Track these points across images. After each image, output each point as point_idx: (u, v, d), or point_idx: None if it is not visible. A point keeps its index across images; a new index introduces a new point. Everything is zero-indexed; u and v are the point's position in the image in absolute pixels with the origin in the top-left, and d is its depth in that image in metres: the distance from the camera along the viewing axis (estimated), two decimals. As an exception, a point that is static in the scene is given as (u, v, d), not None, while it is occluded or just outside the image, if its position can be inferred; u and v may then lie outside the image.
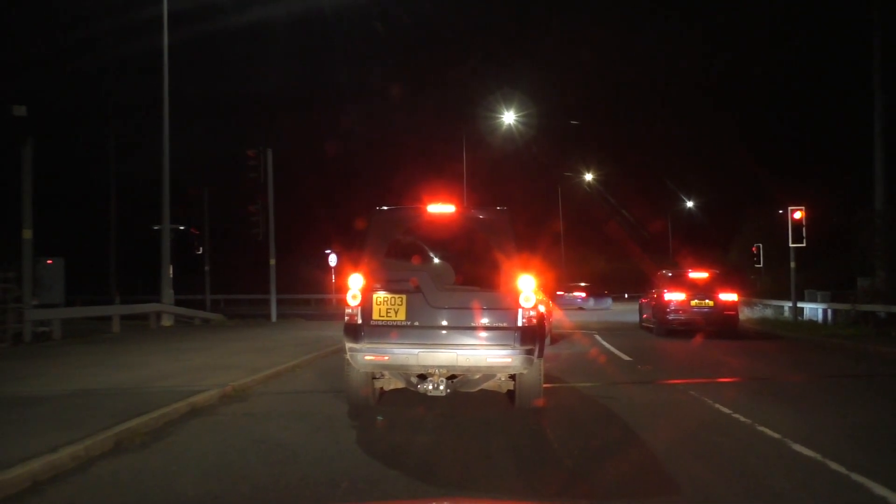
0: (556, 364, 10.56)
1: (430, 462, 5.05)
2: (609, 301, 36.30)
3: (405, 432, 6.00)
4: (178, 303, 19.37)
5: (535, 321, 6.23)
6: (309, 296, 39.69)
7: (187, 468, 4.84)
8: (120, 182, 33.80)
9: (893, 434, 6.14)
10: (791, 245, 18.80)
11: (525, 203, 49.07)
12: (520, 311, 6.19)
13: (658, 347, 14.16)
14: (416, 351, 6.13)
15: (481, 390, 6.93)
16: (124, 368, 9.17)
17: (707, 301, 16.23)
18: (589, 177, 45.25)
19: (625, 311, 29.91)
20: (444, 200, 6.84)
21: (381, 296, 6.30)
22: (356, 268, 6.46)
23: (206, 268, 32.34)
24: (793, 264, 19.46)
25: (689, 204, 48.30)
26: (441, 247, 6.57)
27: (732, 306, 16.46)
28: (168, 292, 18.46)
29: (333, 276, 25.10)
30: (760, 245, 23.17)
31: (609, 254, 52.54)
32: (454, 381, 6.56)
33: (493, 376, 6.63)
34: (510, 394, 6.92)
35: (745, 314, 21.50)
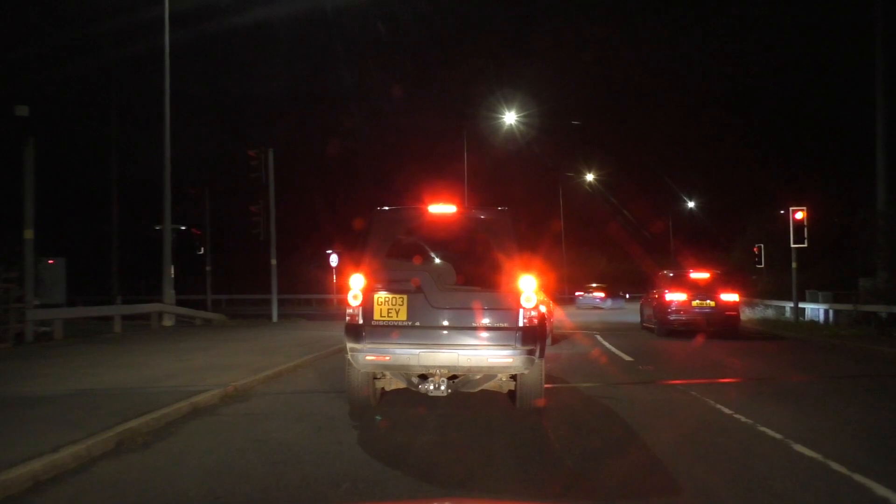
0: (558, 364, 10.56)
1: (432, 462, 5.05)
2: (622, 301, 37.59)
3: (406, 432, 6.00)
4: (179, 303, 19.37)
5: (536, 321, 6.23)
6: (310, 296, 39.74)
7: (189, 468, 4.85)
8: (121, 182, 33.84)
9: (895, 434, 6.13)
10: (792, 245, 18.79)
11: (526, 203, 49.13)
12: (521, 311, 6.19)
13: (659, 348, 14.15)
14: (417, 351, 6.13)
15: (482, 390, 6.93)
16: (126, 368, 9.17)
17: (708, 301, 16.22)
18: (590, 177, 45.32)
19: (626, 312, 29.91)
20: (446, 200, 6.83)
21: (382, 296, 6.30)
22: (357, 268, 6.45)
23: (208, 268, 32.35)
24: (794, 265, 19.45)
25: (691, 204, 48.34)
26: (442, 247, 6.57)
27: (734, 307, 16.45)
28: (169, 292, 18.47)
29: (335, 277, 25.13)
30: (762, 245, 23.15)
31: (610, 254, 52.58)
32: (455, 381, 6.56)
33: (495, 376, 6.63)
34: (511, 394, 6.92)
35: (746, 314, 21.49)
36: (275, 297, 22.06)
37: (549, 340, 9.04)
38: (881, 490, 4.33)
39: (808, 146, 38.39)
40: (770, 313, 23.30)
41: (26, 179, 13.43)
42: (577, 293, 38.52)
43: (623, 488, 4.58)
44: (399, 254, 6.56)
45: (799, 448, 5.34)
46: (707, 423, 6.38)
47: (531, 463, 5.07)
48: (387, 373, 6.73)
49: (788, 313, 21.49)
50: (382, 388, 7.05)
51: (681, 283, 17.03)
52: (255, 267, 29.88)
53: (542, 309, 6.78)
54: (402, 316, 6.26)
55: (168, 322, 18.24)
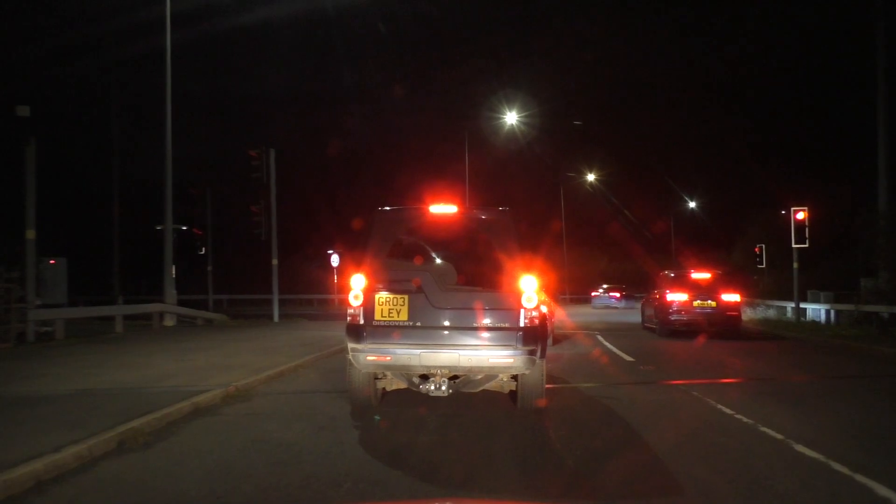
0: (559, 364, 10.56)
1: (433, 462, 5.05)
2: (635, 301, 37.68)
3: (408, 433, 6.01)
4: (180, 303, 19.38)
5: (537, 322, 6.23)
6: (311, 296, 39.79)
7: (190, 468, 4.85)
8: (123, 182, 33.94)
9: (897, 435, 6.13)
10: (794, 246, 18.78)
11: (527, 203, 49.14)
12: (522, 311, 6.18)
13: (660, 348, 14.15)
14: (418, 351, 6.13)
15: (483, 391, 6.93)
16: (127, 368, 9.18)
17: (710, 301, 16.20)
18: (591, 177, 45.28)
19: (627, 312, 29.90)
20: (447, 200, 6.83)
21: (383, 296, 6.31)
22: (358, 268, 6.45)
23: (209, 268, 32.42)
24: (795, 265, 19.44)
25: (692, 204, 48.29)
26: (443, 247, 6.57)
27: (735, 307, 16.44)
28: (171, 292, 18.48)
29: (336, 277, 25.14)
30: (763, 245, 23.15)
31: (612, 254, 52.53)
32: (456, 381, 6.56)
33: (496, 377, 6.62)
34: (512, 394, 6.92)
35: (747, 315, 21.48)
36: (276, 297, 22.07)
37: (550, 341, 9.02)
38: (883, 490, 4.33)
39: (810, 146, 38.45)
40: (771, 313, 23.29)
41: (28, 179, 13.45)
42: (593, 293, 40.11)
43: (624, 488, 4.58)
44: (400, 254, 6.56)
45: (800, 448, 5.34)
46: (708, 424, 6.38)
47: (532, 463, 5.08)
48: (388, 373, 6.73)
49: (790, 313, 21.47)
50: (384, 389, 7.05)
51: (682, 283, 17.02)
52: (256, 267, 29.90)
53: (543, 309, 6.78)
54: (404, 316, 6.26)
55: (169, 322, 18.25)
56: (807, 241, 18.56)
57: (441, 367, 6.24)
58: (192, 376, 8.42)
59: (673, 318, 16.26)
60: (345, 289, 6.77)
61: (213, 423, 6.33)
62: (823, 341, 15.37)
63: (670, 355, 12.82)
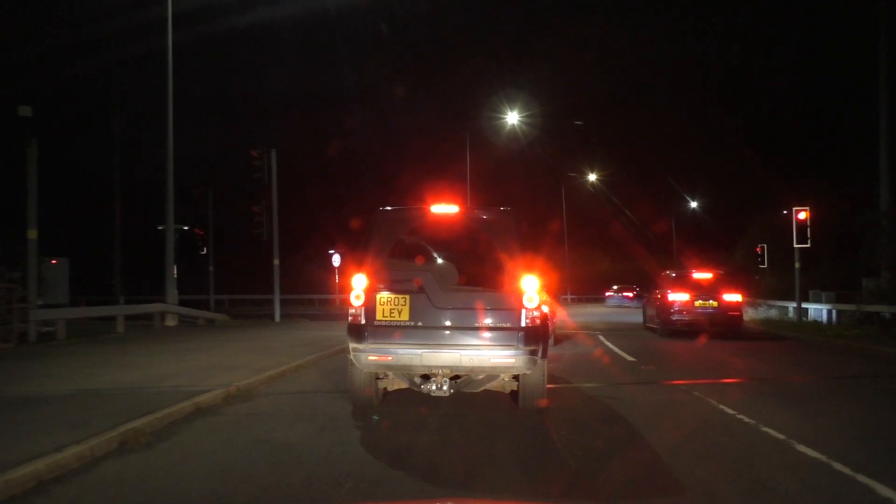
0: (560, 364, 10.55)
1: (434, 462, 5.05)
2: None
3: (409, 433, 6.00)
4: (182, 303, 19.40)
5: (538, 321, 6.23)
6: (313, 296, 39.79)
7: (192, 468, 4.85)
8: (124, 182, 33.93)
9: (898, 435, 6.12)
10: (795, 246, 18.77)
11: (529, 203, 49.13)
12: (523, 311, 6.18)
13: (662, 348, 14.14)
14: (419, 351, 6.13)
15: (485, 391, 6.92)
16: (128, 368, 9.19)
17: (711, 301, 16.19)
18: (593, 177, 45.28)
19: (628, 312, 29.89)
20: (448, 200, 6.83)
21: (384, 296, 6.31)
22: (360, 268, 6.45)
23: (210, 268, 32.46)
24: (797, 265, 19.43)
25: (694, 204, 48.26)
26: (444, 247, 6.57)
27: (737, 307, 16.42)
28: (172, 292, 18.49)
29: (337, 277, 25.14)
30: (765, 245, 23.13)
31: (613, 254, 52.54)
32: (458, 381, 6.56)
33: (497, 377, 6.62)
34: (514, 394, 6.91)
35: (749, 315, 21.47)
36: (277, 297, 22.08)
37: (551, 341, 9.03)
38: (884, 490, 4.32)
39: (812, 146, 38.39)
40: (773, 313, 23.28)
41: (29, 179, 13.46)
42: (606, 293, 41.93)
43: (626, 488, 4.58)
44: (401, 254, 6.56)
45: (802, 448, 5.33)
46: (710, 424, 6.37)
47: (533, 463, 5.07)
48: (389, 373, 6.73)
49: (791, 313, 21.46)
50: (385, 389, 7.05)
51: (684, 283, 17.00)
52: (257, 267, 29.95)
53: (545, 309, 6.78)
54: (405, 316, 6.25)
55: (171, 322, 18.26)
56: (808, 240, 18.54)
57: (442, 367, 6.24)
58: (194, 376, 8.42)
59: (674, 318, 16.25)
60: (346, 289, 6.76)
61: (215, 423, 6.33)
62: (825, 341, 15.35)
63: (672, 355, 12.81)
